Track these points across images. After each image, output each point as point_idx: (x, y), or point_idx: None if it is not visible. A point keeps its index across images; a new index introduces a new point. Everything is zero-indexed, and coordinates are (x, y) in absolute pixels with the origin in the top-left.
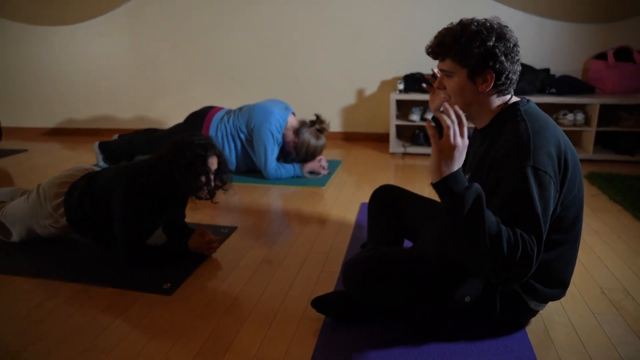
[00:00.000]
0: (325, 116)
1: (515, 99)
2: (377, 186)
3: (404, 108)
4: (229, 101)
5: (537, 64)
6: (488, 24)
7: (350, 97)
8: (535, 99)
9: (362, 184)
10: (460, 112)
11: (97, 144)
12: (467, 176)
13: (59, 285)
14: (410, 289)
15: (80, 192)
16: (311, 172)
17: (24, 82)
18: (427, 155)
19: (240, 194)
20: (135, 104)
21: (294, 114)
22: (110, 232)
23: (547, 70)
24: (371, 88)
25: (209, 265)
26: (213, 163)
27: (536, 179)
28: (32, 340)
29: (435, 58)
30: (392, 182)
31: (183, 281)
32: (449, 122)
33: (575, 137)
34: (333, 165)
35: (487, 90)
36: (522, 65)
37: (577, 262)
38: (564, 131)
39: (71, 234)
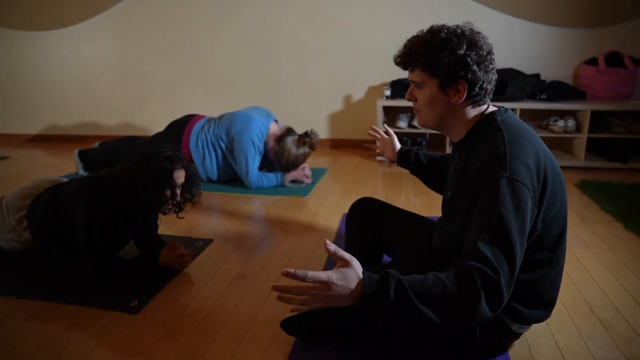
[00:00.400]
0: (312, 122)
1: (492, 108)
2: (362, 195)
3: (391, 114)
4: (216, 107)
5: (528, 69)
6: (459, 31)
7: (337, 103)
8: (525, 104)
9: (346, 192)
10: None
11: (76, 152)
12: (449, 193)
13: (19, 303)
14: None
15: (45, 204)
16: (294, 181)
17: (6, 87)
18: None
19: (219, 205)
20: (120, 110)
21: (276, 121)
22: (76, 246)
23: (537, 76)
24: (358, 94)
25: (180, 281)
26: (179, 177)
27: (512, 191)
28: None
29: (404, 68)
30: (378, 190)
31: (151, 298)
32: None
33: (566, 144)
34: (318, 173)
35: (460, 101)
36: (512, 70)
37: (565, 277)
38: (555, 138)
39: (35, 248)
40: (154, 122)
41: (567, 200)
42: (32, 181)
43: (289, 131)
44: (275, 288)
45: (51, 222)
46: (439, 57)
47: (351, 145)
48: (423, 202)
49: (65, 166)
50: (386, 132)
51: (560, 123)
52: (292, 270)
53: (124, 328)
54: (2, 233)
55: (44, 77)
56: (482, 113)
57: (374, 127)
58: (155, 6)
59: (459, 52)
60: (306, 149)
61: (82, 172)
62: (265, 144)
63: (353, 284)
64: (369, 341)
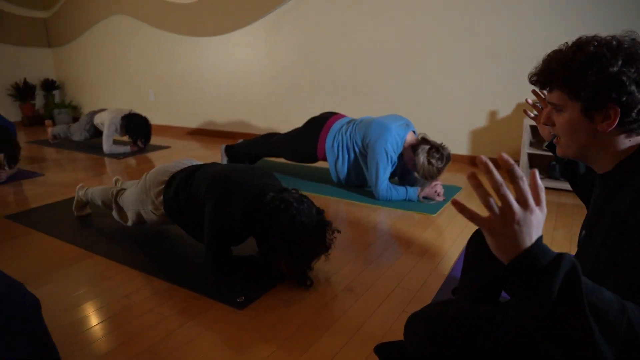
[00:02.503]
0: (451, 136)
1: None
2: None
3: (539, 135)
4: (354, 113)
5: None
6: (614, 43)
7: (480, 118)
8: None
9: None
10: (511, 165)
11: (224, 146)
12: (583, 232)
13: (149, 280)
14: None
15: (178, 184)
16: (425, 197)
17: (173, 86)
18: (563, 190)
19: (344, 212)
20: (266, 111)
21: (414, 131)
22: (200, 231)
23: None
24: (505, 110)
25: (288, 285)
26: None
27: None
28: (110, 329)
29: (541, 88)
30: None
31: (257, 298)
32: (481, 192)
33: None
34: (451, 191)
35: (610, 129)
36: None
37: None
38: None
39: (170, 224)
40: (296, 124)
41: None
42: (173, 161)
43: (423, 141)
44: (479, 160)
45: (182, 202)
46: (584, 75)
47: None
48: (564, 237)
49: (214, 159)
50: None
51: None
52: (510, 161)
53: (227, 321)
54: (144, 205)
55: (204, 78)
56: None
57: (536, 89)
58: (303, 15)
59: (611, 69)
60: (439, 163)
61: None
62: (402, 154)
63: (535, 235)
64: None
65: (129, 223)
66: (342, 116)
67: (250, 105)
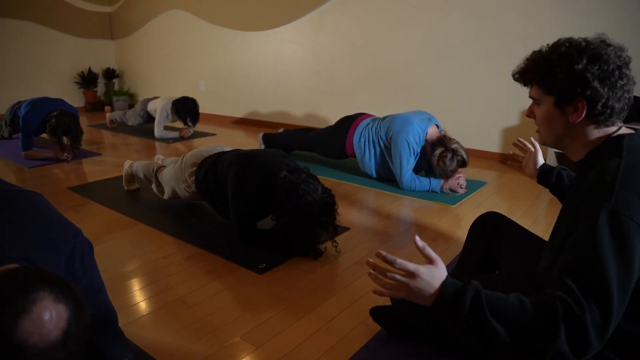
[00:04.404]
0: (482, 133)
1: (625, 131)
2: (511, 213)
3: None
4: (391, 110)
5: None
6: (583, 44)
7: (512, 116)
8: None
9: (497, 209)
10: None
11: (261, 135)
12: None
13: (185, 245)
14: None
15: (208, 167)
16: (448, 189)
17: (224, 78)
18: None
19: (370, 200)
20: (307, 104)
21: (437, 125)
22: (226, 207)
23: None
24: None
25: (306, 257)
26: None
27: (614, 226)
28: (147, 283)
29: (523, 85)
30: (532, 212)
31: (277, 265)
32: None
33: None
34: (474, 185)
35: (579, 120)
36: None
37: None
38: None
39: (200, 200)
40: (333, 117)
41: None
42: (208, 146)
43: (441, 141)
44: (368, 263)
45: (211, 182)
46: (555, 72)
47: None
48: None
49: (255, 146)
50: (532, 145)
51: None
52: (383, 253)
53: (248, 283)
54: (179, 183)
55: (252, 71)
56: (609, 135)
57: (521, 139)
58: (348, 13)
59: (576, 67)
60: (451, 165)
61: None
62: (424, 147)
63: (436, 283)
64: (452, 349)
65: (165, 197)
66: (371, 115)
67: (293, 98)
